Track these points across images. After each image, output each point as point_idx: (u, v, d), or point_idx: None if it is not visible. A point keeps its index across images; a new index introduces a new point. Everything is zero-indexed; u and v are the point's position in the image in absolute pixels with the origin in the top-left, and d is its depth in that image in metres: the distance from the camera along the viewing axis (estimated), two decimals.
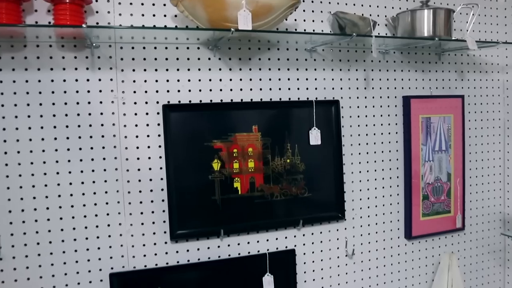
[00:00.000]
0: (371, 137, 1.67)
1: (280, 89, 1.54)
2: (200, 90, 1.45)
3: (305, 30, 1.55)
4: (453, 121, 1.78)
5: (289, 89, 1.55)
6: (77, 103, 1.34)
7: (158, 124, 1.41)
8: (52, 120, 1.32)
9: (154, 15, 1.40)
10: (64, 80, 1.33)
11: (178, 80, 1.43)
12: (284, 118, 1.51)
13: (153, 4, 1.39)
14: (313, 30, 1.56)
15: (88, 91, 1.35)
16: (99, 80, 1.36)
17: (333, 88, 1.60)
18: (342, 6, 1.59)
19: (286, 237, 1.57)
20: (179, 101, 1.43)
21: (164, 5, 1.39)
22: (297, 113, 1.53)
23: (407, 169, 1.71)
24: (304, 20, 1.55)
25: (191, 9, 1.27)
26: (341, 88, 1.61)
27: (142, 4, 1.38)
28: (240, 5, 1.21)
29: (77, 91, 1.34)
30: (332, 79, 1.60)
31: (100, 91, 1.36)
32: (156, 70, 1.40)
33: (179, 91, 1.43)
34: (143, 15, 1.39)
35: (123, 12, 1.37)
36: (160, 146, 1.42)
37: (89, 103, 1.35)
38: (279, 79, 1.53)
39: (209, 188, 1.44)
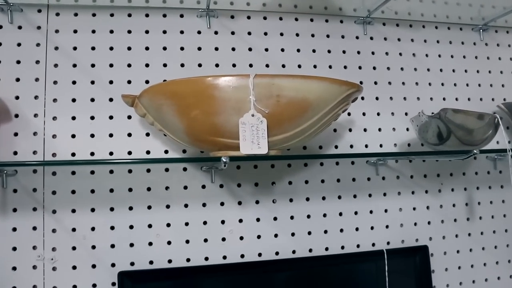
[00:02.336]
0: None
1: (326, 232, 0.86)
2: (187, 242, 0.81)
3: (365, 130, 0.90)
4: None
5: (341, 230, 0.87)
6: None
7: None
8: None
9: (111, 117, 0.80)
10: None
11: (150, 226, 0.80)
12: (332, 281, 0.83)
13: (111, 100, 0.80)
14: (379, 130, 0.91)
15: None
16: (13, 229, 0.75)
17: (415, 224, 0.91)
18: (432, 89, 0.94)
19: None
20: (150, 262, 0.79)
21: None
22: (356, 271, 0.84)
23: None
24: (364, 114, 0.90)
25: (155, 112, 0.66)
26: (429, 223, 0.92)
27: (93, 100, 0.79)
28: (246, 103, 0.59)
29: None
30: (414, 209, 0.91)
31: (15, 249, 0.75)
32: (111, 209, 0.78)
33: (150, 244, 0.79)
34: (92, 117, 0.79)
35: (61, 114, 0.78)
36: None
37: None
38: (324, 215, 0.87)
39: None
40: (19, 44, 0.78)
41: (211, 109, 0.60)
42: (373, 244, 0.88)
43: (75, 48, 0.80)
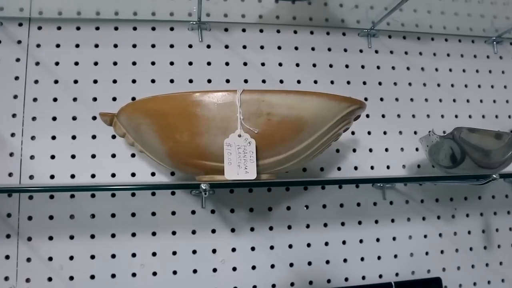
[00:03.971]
0: None
1: (327, 262, 0.78)
2: (174, 273, 0.73)
3: (370, 150, 0.82)
4: None
5: (345, 261, 0.79)
6: None
7: None
8: None
9: (94, 137, 0.73)
10: None
11: (134, 255, 0.72)
12: None
13: (94, 118, 0.74)
14: (386, 150, 0.83)
15: None
16: None
17: (427, 253, 0.82)
18: (443, 106, 0.86)
19: None
20: None
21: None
22: None
23: None
24: (369, 133, 0.83)
25: (134, 132, 0.59)
26: (442, 252, 0.83)
27: (74, 118, 0.73)
28: (233, 122, 0.51)
29: None
30: (425, 236, 0.83)
31: None
32: (92, 237, 0.71)
33: (134, 275, 0.72)
34: (74, 137, 0.73)
35: (40, 133, 0.72)
36: None
37: None
38: (326, 244, 0.78)
39: None
40: None
41: (194, 129, 0.53)
42: (380, 276, 0.79)
43: (57, 63, 0.74)
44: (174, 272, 0.72)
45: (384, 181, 0.74)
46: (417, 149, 0.84)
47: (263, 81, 0.80)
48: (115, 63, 0.75)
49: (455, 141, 0.61)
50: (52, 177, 0.71)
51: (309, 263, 0.77)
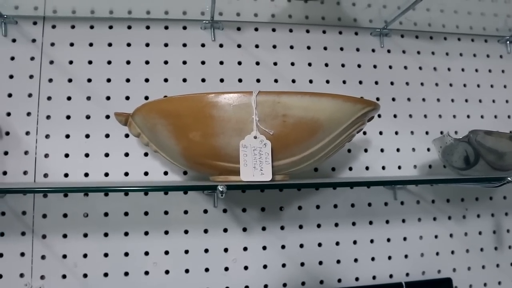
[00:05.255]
0: None
1: (338, 261, 0.78)
2: (187, 271, 0.73)
3: (382, 150, 0.82)
4: None
5: (355, 260, 0.79)
6: None
7: None
8: None
9: (107, 136, 0.74)
10: None
11: (147, 253, 0.73)
12: None
13: (107, 117, 0.74)
14: (398, 150, 0.83)
15: None
16: (0, 255, 0.69)
17: (437, 254, 0.82)
18: (455, 106, 0.86)
19: None
20: None
21: None
22: None
23: None
24: (381, 133, 0.82)
25: (149, 132, 0.59)
26: (453, 252, 0.83)
27: (88, 117, 0.74)
28: (249, 123, 0.52)
29: None
30: (436, 237, 0.82)
31: (0, 276, 0.69)
32: (106, 235, 0.72)
33: (147, 273, 0.72)
34: (87, 136, 0.73)
35: (54, 132, 0.72)
36: None
37: None
38: (337, 244, 0.78)
39: None
40: (12, 58, 0.73)
41: (209, 130, 0.53)
42: (391, 276, 0.79)
43: (71, 62, 0.74)
44: (187, 271, 0.73)
45: (397, 183, 0.73)
46: (428, 150, 0.83)
47: (275, 81, 0.80)
48: (128, 62, 0.76)
49: (470, 144, 0.60)
50: (66, 175, 0.72)
51: (320, 263, 0.77)
